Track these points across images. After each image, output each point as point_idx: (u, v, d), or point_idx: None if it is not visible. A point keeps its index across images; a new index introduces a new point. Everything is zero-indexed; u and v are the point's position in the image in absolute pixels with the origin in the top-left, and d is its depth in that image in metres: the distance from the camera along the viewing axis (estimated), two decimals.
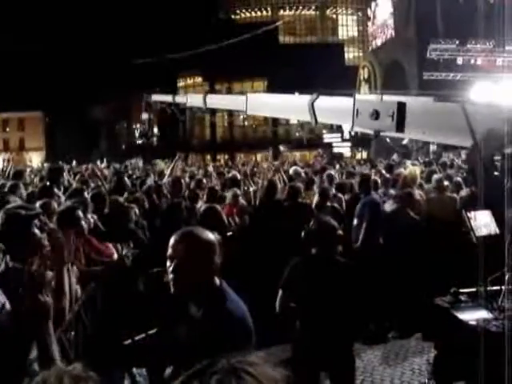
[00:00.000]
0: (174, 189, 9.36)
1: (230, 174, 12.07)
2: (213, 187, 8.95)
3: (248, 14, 63.97)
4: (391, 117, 5.05)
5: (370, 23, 47.61)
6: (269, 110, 7.78)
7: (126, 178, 10.73)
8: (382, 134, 5.46)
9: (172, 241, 2.93)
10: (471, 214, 5.18)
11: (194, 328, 2.86)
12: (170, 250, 2.91)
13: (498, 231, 5.01)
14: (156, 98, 14.17)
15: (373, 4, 46.09)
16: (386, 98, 5.39)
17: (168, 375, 2.84)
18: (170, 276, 2.90)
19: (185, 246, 2.88)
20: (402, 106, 5.09)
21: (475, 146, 4.26)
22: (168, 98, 12.66)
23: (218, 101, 9.28)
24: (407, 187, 9.08)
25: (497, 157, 4.79)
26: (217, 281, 2.94)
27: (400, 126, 5.07)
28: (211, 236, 2.97)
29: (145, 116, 13.83)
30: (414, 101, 5.03)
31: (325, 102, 6.21)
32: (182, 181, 9.98)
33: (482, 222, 5.14)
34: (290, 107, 6.89)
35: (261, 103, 7.59)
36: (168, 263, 2.91)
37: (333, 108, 6.18)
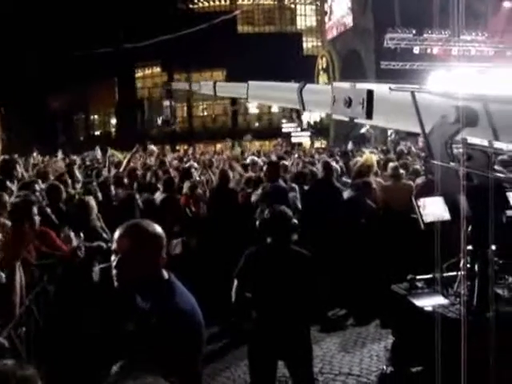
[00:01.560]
0: (129, 180, 9.27)
1: (187, 165, 12.03)
2: (169, 178, 8.86)
3: (206, 4, 63.45)
4: (361, 104, 5.11)
5: (326, 18, 47.31)
6: (264, 97, 7.94)
7: (76, 170, 10.63)
8: (355, 120, 5.53)
9: (116, 234, 2.85)
10: (420, 201, 5.21)
11: (141, 323, 2.80)
12: (114, 244, 2.84)
13: (449, 218, 5.03)
14: (175, 86, 14.33)
15: None
16: (358, 85, 5.45)
17: (115, 371, 2.77)
18: (114, 271, 2.83)
19: (128, 239, 2.81)
20: (370, 94, 5.14)
21: (423, 133, 4.30)
22: (185, 86, 12.84)
23: (224, 88, 9.45)
24: (363, 175, 9.14)
25: (456, 144, 4.83)
26: (164, 274, 2.88)
27: (369, 114, 5.14)
28: (157, 228, 2.89)
29: (166, 103, 13.91)
30: (378, 89, 5.10)
31: (310, 89, 6.32)
32: (138, 172, 9.91)
33: (433, 209, 5.16)
34: (282, 95, 6.99)
35: (258, 91, 7.74)
36: (112, 257, 2.84)
37: (316, 96, 6.26)
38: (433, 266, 5.61)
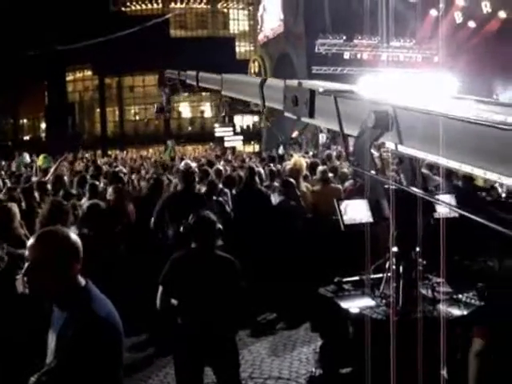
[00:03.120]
0: (55, 186, 9.06)
1: (117, 170, 11.88)
2: (92, 184, 8.67)
3: (138, 7, 62.82)
4: (305, 104, 5.16)
5: (258, 28, 47.23)
6: (234, 90, 8.05)
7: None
8: (302, 119, 5.57)
9: (29, 242, 2.79)
10: (343, 204, 5.26)
11: (59, 333, 2.73)
12: (26, 252, 2.77)
13: (371, 220, 5.10)
14: (168, 74, 14.58)
15: (260, 8, 45.54)
16: (304, 84, 5.52)
17: (33, 381, 2.70)
18: (24, 278, 2.76)
19: (40, 246, 2.75)
20: (313, 94, 5.20)
21: (341, 135, 4.36)
22: (175, 75, 13.08)
23: (204, 79, 9.95)
24: (293, 178, 9.17)
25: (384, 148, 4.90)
26: (81, 281, 2.81)
27: (311, 113, 5.19)
28: (71, 235, 2.83)
29: (158, 104, 14.08)
30: (318, 90, 5.19)
31: (268, 85, 6.38)
32: (65, 178, 9.71)
33: (355, 212, 5.22)
34: (247, 89, 7.06)
35: (229, 84, 7.90)
36: (25, 265, 2.77)
37: (272, 92, 6.30)
38: (360, 267, 5.69)
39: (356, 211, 5.19)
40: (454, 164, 3.48)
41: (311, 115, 5.26)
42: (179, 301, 4.74)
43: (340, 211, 5.18)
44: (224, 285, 4.74)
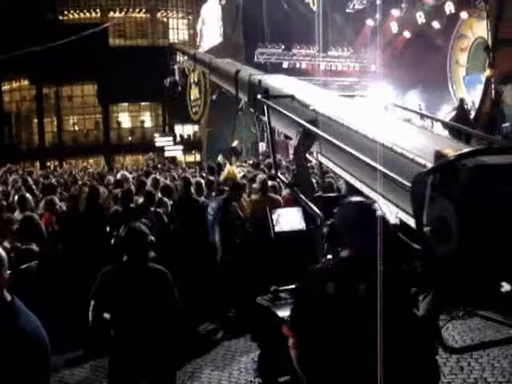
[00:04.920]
0: None
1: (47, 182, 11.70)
2: (22, 195, 8.46)
3: (76, 16, 61.91)
4: (261, 101, 5.18)
5: (197, 42, 46.95)
6: (216, 76, 8.27)
7: None
8: (260, 116, 5.57)
9: None
10: (275, 212, 5.28)
11: None
12: None
13: (303, 228, 5.12)
14: (178, 47, 14.75)
15: (199, 21, 45.29)
16: (263, 81, 5.53)
17: None
18: None
19: None
20: (267, 93, 5.21)
21: (270, 144, 4.41)
22: (184, 50, 13.30)
23: (198, 59, 10.98)
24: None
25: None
26: (6, 296, 2.73)
27: (265, 112, 5.20)
28: None
29: (171, 78, 14.38)
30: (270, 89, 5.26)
31: (239, 77, 6.38)
32: None
33: (287, 220, 5.24)
34: (226, 78, 7.07)
35: (214, 68, 8.03)
36: None
37: (241, 85, 6.28)
38: (298, 275, 5.70)
39: (289, 219, 5.21)
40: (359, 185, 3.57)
41: (264, 113, 5.29)
42: (112, 315, 4.66)
43: (271, 220, 5.19)
44: (157, 297, 4.68)
